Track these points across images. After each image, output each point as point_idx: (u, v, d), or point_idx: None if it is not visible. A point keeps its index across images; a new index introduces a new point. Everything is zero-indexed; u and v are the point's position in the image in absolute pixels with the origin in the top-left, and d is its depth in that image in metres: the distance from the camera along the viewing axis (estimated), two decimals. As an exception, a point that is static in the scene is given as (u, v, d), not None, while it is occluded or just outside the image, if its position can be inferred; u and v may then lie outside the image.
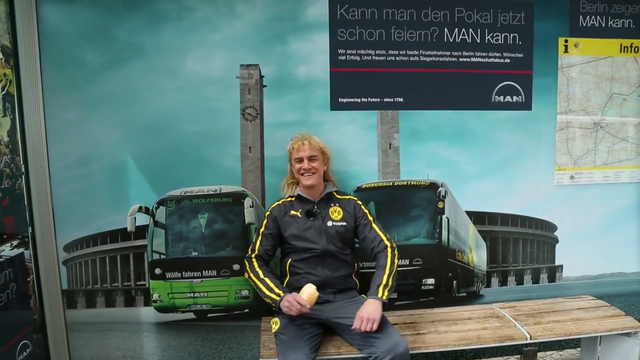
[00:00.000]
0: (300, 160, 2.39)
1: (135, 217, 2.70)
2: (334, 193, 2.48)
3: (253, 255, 2.40)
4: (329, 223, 2.37)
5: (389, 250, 2.32)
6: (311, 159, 2.37)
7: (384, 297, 2.17)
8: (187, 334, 2.85)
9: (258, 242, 2.42)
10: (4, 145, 2.30)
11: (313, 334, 2.23)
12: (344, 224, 2.38)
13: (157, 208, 2.74)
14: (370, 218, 2.42)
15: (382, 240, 2.35)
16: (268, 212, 2.45)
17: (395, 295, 2.94)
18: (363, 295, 2.41)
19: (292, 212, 2.41)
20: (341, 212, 2.41)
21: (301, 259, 2.36)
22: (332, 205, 2.43)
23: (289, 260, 2.40)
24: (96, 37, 2.57)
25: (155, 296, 2.80)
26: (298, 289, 2.29)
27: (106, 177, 2.67)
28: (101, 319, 2.80)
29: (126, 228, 2.70)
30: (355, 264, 2.48)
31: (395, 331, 2.19)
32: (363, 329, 2.08)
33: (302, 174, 2.41)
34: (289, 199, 2.48)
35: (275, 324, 2.29)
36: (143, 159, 2.68)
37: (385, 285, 2.21)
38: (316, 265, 2.34)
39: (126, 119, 2.65)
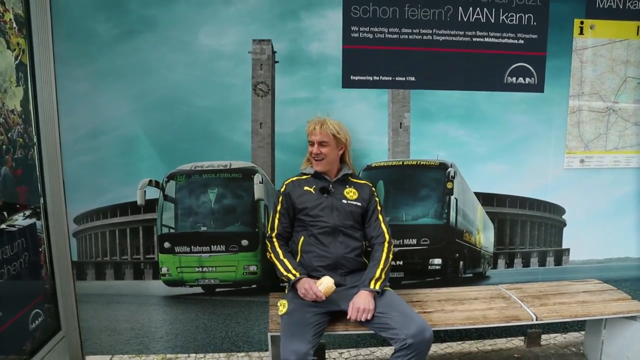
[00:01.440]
0: (312, 143, 2.41)
1: (145, 191, 2.71)
2: (349, 177, 2.49)
3: (273, 235, 2.44)
4: (344, 201, 2.40)
5: (386, 244, 2.36)
6: (321, 144, 2.37)
7: (377, 288, 2.23)
8: (195, 308, 2.88)
9: (276, 221, 2.45)
10: (17, 115, 2.31)
11: (320, 321, 2.23)
12: (358, 204, 2.41)
13: (167, 182, 2.75)
14: (379, 208, 2.46)
15: (383, 232, 2.39)
16: (282, 189, 2.46)
17: (401, 275, 2.98)
18: None
19: (306, 188, 2.43)
20: (356, 193, 2.43)
21: (312, 235, 2.37)
22: (348, 186, 2.45)
23: (301, 239, 2.41)
24: (109, 9, 2.57)
25: (164, 270, 2.83)
26: (310, 268, 2.33)
27: (117, 150, 2.69)
28: (110, 291, 2.84)
29: (136, 201, 2.71)
30: (364, 243, 2.49)
31: (418, 315, 2.20)
32: (358, 319, 2.15)
33: (313, 158, 2.42)
34: (304, 176, 2.49)
35: (283, 306, 2.28)
36: (154, 133, 2.69)
37: (378, 279, 2.25)
38: (328, 244, 2.34)
39: (137, 93, 2.65)
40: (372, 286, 2.23)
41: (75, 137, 2.65)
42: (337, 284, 2.27)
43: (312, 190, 2.41)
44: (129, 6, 2.58)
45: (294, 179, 2.48)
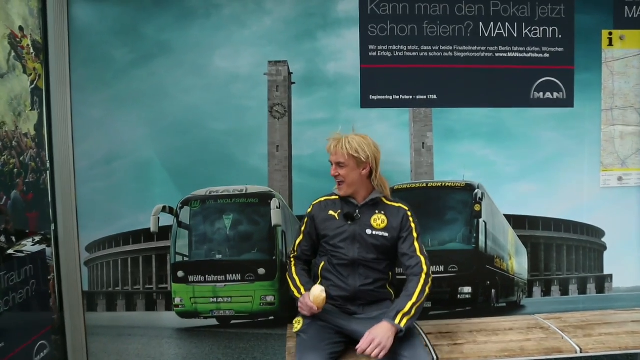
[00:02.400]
0: (332, 164, 2.22)
1: (159, 217, 2.68)
2: (383, 199, 2.23)
3: (292, 256, 2.35)
4: (368, 231, 2.18)
5: (424, 276, 2.11)
6: (339, 165, 2.17)
7: (402, 325, 1.98)
8: (209, 342, 2.79)
9: (298, 241, 2.33)
10: (30, 139, 2.31)
11: (335, 340, 2.13)
12: (385, 234, 2.17)
13: (181, 208, 2.72)
14: (415, 234, 2.19)
15: (420, 262, 2.13)
16: (310, 209, 2.31)
17: (429, 304, 2.83)
18: None
19: (331, 212, 2.24)
20: (385, 221, 2.18)
21: (332, 263, 2.24)
22: (377, 212, 2.19)
23: (322, 264, 2.29)
24: (125, 34, 2.63)
25: (177, 300, 2.76)
26: (329, 296, 2.20)
27: (131, 175, 2.69)
28: (121, 322, 2.78)
29: (149, 228, 2.69)
30: (390, 273, 2.30)
31: (426, 354, 2.04)
32: (368, 353, 1.91)
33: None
34: (334, 196, 2.29)
35: (298, 323, 2.19)
36: (168, 158, 2.70)
37: (407, 314, 2.01)
38: (347, 275, 2.20)
39: (152, 117, 2.67)
40: (397, 320, 1.98)
41: (89, 162, 2.66)
42: (353, 313, 2.18)
43: (336, 215, 2.23)
44: (145, 31, 2.63)
45: (322, 199, 2.30)
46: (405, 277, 2.16)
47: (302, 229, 2.31)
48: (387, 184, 2.24)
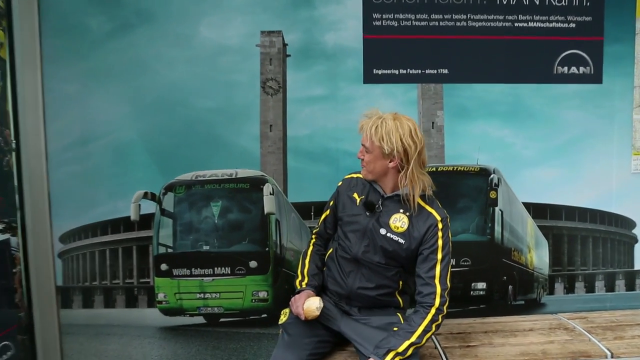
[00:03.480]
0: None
1: (140, 205, 2.61)
2: (419, 199, 1.91)
3: (314, 232, 2.16)
4: (382, 230, 1.93)
5: (433, 311, 1.85)
6: (365, 148, 1.89)
7: None
8: (196, 342, 2.73)
9: (323, 216, 2.13)
10: (-9, 115, 2.13)
11: (322, 339, 1.97)
12: (401, 241, 1.89)
13: (164, 194, 2.64)
14: (440, 255, 1.90)
15: (434, 294, 1.86)
16: (340, 183, 2.09)
17: None
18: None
19: (354, 195, 2.01)
20: (406, 224, 1.90)
21: (337, 254, 2.04)
22: (401, 211, 1.91)
23: (330, 250, 2.09)
24: (102, 2, 2.53)
25: (160, 296, 2.68)
26: (323, 287, 2.08)
27: (109, 158, 2.59)
28: (99, 320, 2.72)
29: (129, 217, 2.61)
30: (401, 282, 2.04)
31: None
32: None
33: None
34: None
35: (284, 315, 2.01)
36: (150, 139, 2.60)
37: (400, 354, 1.79)
38: (348, 272, 1.98)
39: (132, 93, 2.57)
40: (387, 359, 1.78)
41: (63, 144, 2.56)
42: (346, 313, 2.00)
43: (358, 199, 1.99)
44: (124, -2, 2.54)
45: (355, 175, 2.04)
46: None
47: (331, 202, 2.09)
48: (425, 184, 1.89)
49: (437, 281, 1.85)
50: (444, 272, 1.86)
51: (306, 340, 1.91)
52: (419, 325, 1.80)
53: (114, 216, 2.62)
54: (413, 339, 1.78)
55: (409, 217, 1.89)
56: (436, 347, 2.20)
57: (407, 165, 1.81)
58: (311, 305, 1.87)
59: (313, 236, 2.15)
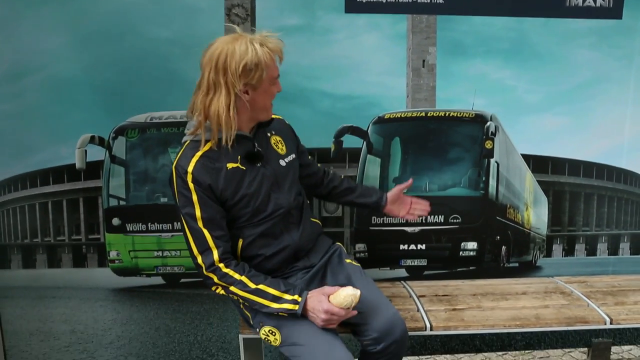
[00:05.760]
0: (276, 78, 1.73)
1: (85, 151, 2.53)
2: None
3: (218, 263, 1.71)
4: (282, 162, 1.80)
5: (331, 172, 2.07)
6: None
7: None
8: (154, 304, 2.73)
9: (208, 239, 1.70)
10: None
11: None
12: (292, 156, 1.85)
13: (114, 139, 2.57)
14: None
15: (323, 168, 2.05)
16: (190, 181, 1.63)
17: (423, 262, 2.78)
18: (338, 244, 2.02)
19: (230, 165, 1.71)
20: (282, 141, 1.84)
21: (257, 232, 1.79)
22: (269, 134, 1.82)
23: (240, 242, 1.80)
24: None
25: (112, 254, 2.66)
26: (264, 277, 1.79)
27: (47, 96, 2.48)
28: (43, 282, 2.69)
29: (74, 164, 2.54)
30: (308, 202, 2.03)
31: (389, 305, 1.82)
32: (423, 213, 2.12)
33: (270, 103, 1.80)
34: (207, 147, 1.73)
35: (272, 334, 1.76)
36: (96, 73, 2.48)
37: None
38: (279, 234, 1.80)
39: (73, 19, 2.41)
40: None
41: None
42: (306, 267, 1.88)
43: (238, 164, 1.72)
44: None
45: (195, 158, 1.64)
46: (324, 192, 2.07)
47: (197, 214, 1.68)
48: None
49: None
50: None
51: (333, 335, 1.78)
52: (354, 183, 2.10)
53: (55, 164, 2.56)
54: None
55: (276, 133, 1.81)
56: (418, 310, 2.16)
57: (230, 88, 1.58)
58: (341, 299, 1.67)
59: (222, 269, 1.69)
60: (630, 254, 2.96)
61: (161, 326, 2.69)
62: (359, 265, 1.94)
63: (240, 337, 1.97)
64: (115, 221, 2.60)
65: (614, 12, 2.61)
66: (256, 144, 1.70)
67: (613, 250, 2.95)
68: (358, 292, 1.65)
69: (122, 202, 2.62)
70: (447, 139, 2.71)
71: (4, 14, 2.34)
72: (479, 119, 2.69)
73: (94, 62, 2.44)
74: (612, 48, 2.69)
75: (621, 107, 2.74)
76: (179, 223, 2.42)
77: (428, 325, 2.06)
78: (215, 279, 1.67)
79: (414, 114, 2.67)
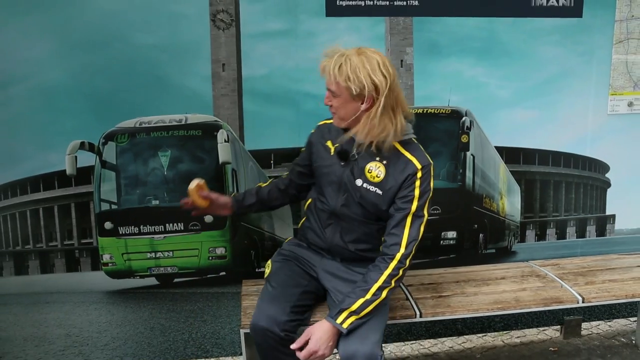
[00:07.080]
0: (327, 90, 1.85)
1: (76, 157, 2.52)
2: (397, 144, 1.82)
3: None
4: (358, 182, 1.84)
5: (394, 262, 1.80)
6: (331, 93, 1.78)
7: (345, 326, 1.73)
8: (149, 305, 2.74)
9: (293, 163, 2.08)
10: None
11: (306, 290, 1.94)
12: (379, 192, 1.82)
13: (104, 144, 2.57)
14: (414, 207, 1.82)
15: (398, 244, 1.81)
16: (313, 130, 1.99)
17: None
18: None
19: (328, 143, 1.92)
20: (382, 174, 1.82)
21: (315, 206, 1.99)
22: (378, 159, 1.82)
23: (309, 201, 2.04)
24: None
25: (105, 257, 2.65)
26: (306, 241, 2.06)
27: (35, 104, 2.47)
28: (36, 288, 2.68)
29: (65, 170, 2.52)
30: (384, 238, 1.98)
31: (367, 332, 1.79)
32: (302, 358, 1.72)
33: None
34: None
35: (268, 267, 2.05)
36: (84, 80, 2.47)
37: (354, 313, 1.75)
38: (326, 226, 1.94)
39: (60, 26, 2.41)
40: (339, 320, 1.72)
41: None
42: (324, 257, 2.01)
43: (332, 148, 1.90)
44: None
45: (330, 121, 1.91)
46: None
47: (301, 152, 2.04)
48: (402, 125, 1.76)
49: (405, 230, 1.79)
50: (416, 222, 1.80)
51: (290, 291, 1.87)
52: (376, 280, 1.76)
53: (46, 170, 2.54)
54: (368, 296, 1.74)
55: (385, 166, 1.80)
56: (407, 299, 2.23)
57: (383, 103, 1.69)
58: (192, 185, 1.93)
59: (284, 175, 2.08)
60: (596, 236, 3.04)
61: (156, 326, 2.70)
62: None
63: (242, 331, 1.99)
64: (108, 225, 2.60)
65: (575, 11, 2.69)
66: (354, 148, 1.80)
67: (581, 233, 3.03)
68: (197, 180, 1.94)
69: (113, 206, 2.62)
70: (425, 134, 2.64)
71: (-13, 22, 2.33)
72: (455, 115, 2.74)
73: (81, 70, 2.44)
74: (575, 44, 2.76)
75: (584, 99, 2.83)
76: (171, 224, 2.59)
77: (418, 312, 2.12)
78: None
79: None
